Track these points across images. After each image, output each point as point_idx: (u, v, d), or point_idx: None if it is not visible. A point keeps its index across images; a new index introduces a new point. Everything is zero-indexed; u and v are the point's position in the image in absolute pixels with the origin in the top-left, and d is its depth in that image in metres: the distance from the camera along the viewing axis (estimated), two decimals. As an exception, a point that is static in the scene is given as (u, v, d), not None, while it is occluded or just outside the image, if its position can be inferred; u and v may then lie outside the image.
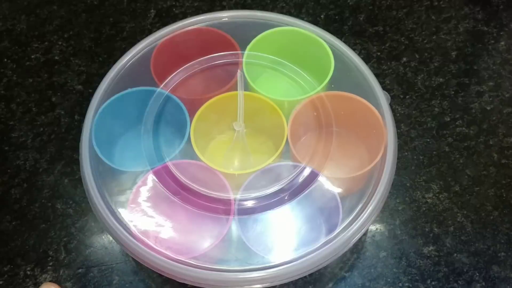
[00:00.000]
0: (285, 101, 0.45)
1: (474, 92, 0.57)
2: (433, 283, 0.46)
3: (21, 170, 0.53)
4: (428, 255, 0.48)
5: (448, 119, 0.55)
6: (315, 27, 0.49)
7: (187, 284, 0.40)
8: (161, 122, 0.45)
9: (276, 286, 0.41)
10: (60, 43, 0.62)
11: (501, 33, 0.62)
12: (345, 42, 0.48)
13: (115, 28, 0.63)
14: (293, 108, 0.45)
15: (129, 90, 0.46)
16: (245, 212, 0.41)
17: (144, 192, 0.42)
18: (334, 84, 0.46)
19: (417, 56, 0.60)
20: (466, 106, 0.56)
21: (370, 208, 0.40)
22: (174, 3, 0.65)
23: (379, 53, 0.60)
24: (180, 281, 0.39)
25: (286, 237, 0.43)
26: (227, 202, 0.41)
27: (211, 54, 0.48)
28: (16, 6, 0.66)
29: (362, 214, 0.40)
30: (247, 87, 0.46)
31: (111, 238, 0.47)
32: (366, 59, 0.59)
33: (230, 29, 0.49)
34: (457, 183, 0.51)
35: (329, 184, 0.42)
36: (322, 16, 0.64)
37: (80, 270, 0.47)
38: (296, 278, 0.39)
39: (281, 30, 0.49)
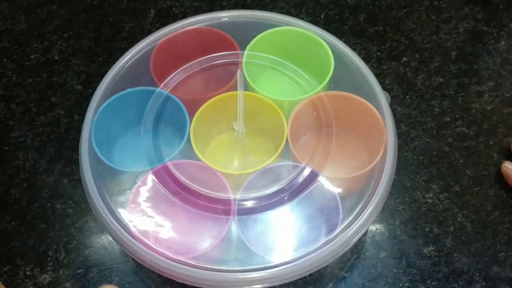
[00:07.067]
0: (285, 101, 0.45)
1: (474, 92, 0.57)
2: (433, 283, 0.46)
3: (20, 170, 0.53)
4: (428, 255, 0.47)
5: (448, 119, 0.55)
6: (315, 27, 0.49)
7: (187, 285, 0.40)
8: (161, 122, 0.45)
9: (276, 286, 0.41)
10: (59, 43, 0.62)
11: (501, 33, 0.62)
12: (345, 42, 0.48)
13: (114, 28, 0.63)
14: (293, 108, 0.45)
15: (129, 90, 0.46)
16: (245, 212, 0.41)
17: (144, 192, 0.42)
18: (334, 84, 0.46)
19: (417, 56, 0.60)
20: (466, 106, 0.56)
21: (370, 208, 0.40)
22: (173, 3, 0.65)
23: (379, 53, 0.60)
24: (179, 281, 0.39)
25: (286, 237, 0.43)
26: (227, 202, 0.41)
27: (211, 54, 0.48)
28: (16, 6, 0.66)
29: (362, 214, 0.40)
30: (247, 87, 0.46)
31: (110, 238, 0.47)
32: (366, 59, 0.59)
33: (230, 29, 0.49)
34: (457, 183, 0.51)
35: (329, 184, 0.42)
36: (322, 16, 0.64)
37: (79, 271, 0.47)
38: (296, 278, 0.39)
39: (281, 30, 0.49)
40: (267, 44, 0.48)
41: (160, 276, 0.42)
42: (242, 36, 0.48)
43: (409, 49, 0.61)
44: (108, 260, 0.48)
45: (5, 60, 0.61)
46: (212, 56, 0.48)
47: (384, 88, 0.46)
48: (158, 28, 0.54)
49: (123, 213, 0.41)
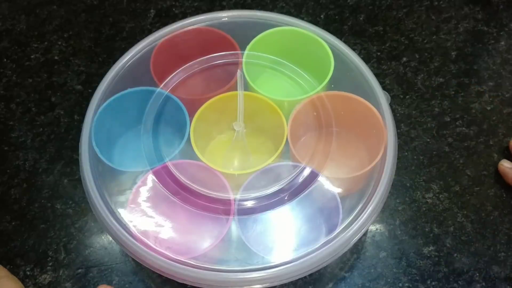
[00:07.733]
0: (285, 101, 0.45)
1: (474, 92, 0.57)
2: (433, 283, 0.46)
3: (20, 170, 0.53)
4: (428, 255, 0.47)
5: (448, 119, 0.55)
6: (315, 27, 0.49)
7: (187, 285, 0.40)
8: (161, 122, 0.45)
9: (276, 286, 0.41)
10: (59, 43, 0.62)
11: (501, 33, 0.62)
12: (345, 42, 0.48)
13: (114, 28, 0.63)
14: (293, 108, 0.45)
15: (129, 90, 0.46)
16: (245, 212, 0.41)
17: (144, 192, 0.42)
18: (334, 84, 0.46)
19: (417, 56, 0.60)
20: (466, 106, 0.56)
21: (370, 208, 0.40)
22: (173, 3, 0.65)
23: (379, 53, 0.60)
24: (179, 282, 0.39)
25: (286, 237, 0.43)
26: (227, 202, 0.41)
27: (211, 54, 0.48)
28: (16, 6, 0.66)
29: (362, 214, 0.40)
30: (247, 87, 0.46)
31: (110, 238, 0.47)
32: (366, 59, 0.59)
33: (230, 29, 0.49)
34: (457, 183, 0.51)
35: (329, 184, 0.42)
36: (322, 16, 0.64)
37: (79, 270, 0.47)
38: (296, 278, 0.39)
39: (281, 30, 0.49)
40: (267, 44, 0.48)
41: (160, 276, 0.42)
42: (242, 36, 0.48)
43: (409, 49, 0.61)
44: (108, 260, 0.48)
45: (5, 60, 0.61)
46: (212, 56, 0.48)
47: (384, 88, 0.46)
48: (158, 28, 0.54)
49: (123, 213, 0.41)
